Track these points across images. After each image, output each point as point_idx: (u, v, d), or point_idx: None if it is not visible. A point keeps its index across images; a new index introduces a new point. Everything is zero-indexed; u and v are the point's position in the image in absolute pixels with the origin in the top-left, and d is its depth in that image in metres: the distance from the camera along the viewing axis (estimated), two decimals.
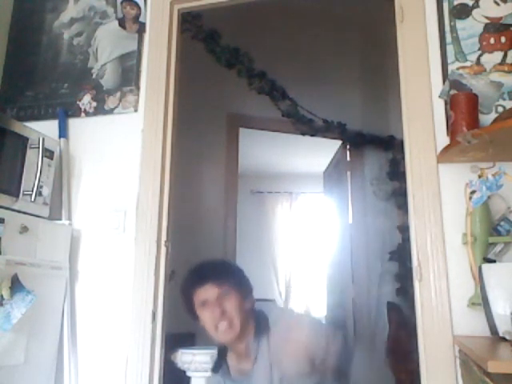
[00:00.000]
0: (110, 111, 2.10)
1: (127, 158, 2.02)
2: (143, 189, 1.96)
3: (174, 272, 2.12)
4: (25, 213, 1.74)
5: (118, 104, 2.09)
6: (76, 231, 1.98)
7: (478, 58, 1.69)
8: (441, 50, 1.73)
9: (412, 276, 1.65)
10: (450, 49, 1.72)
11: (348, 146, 3.82)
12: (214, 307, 1.63)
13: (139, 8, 2.18)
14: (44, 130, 1.91)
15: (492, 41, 1.69)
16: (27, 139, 1.79)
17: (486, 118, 1.60)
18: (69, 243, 1.92)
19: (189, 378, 2.23)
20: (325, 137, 3.67)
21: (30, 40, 2.33)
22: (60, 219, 1.96)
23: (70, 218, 1.99)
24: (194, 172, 3.35)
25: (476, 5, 1.74)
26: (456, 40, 1.72)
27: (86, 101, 2.14)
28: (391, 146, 3.58)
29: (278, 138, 4.26)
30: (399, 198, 3.38)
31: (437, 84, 1.71)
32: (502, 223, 1.53)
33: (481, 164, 1.54)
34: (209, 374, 2.13)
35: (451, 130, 1.56)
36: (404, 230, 3.25)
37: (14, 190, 1.72)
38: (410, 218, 1.68)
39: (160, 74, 2.06)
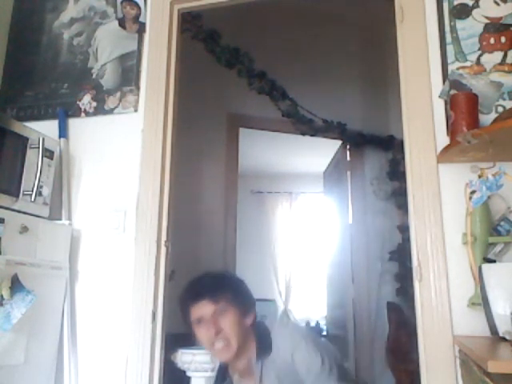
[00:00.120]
0: (110, 111, 2.10)
1: (127, 158, 2.02)
2: (143, 189, 1.96)
3: (174, 272, 2.13)
4: (25, 213, 1.74)
5: (118, 104, 2.09)
6: (76, 231, 1.98)
7: (478, 58, 1.69)
8: (441, 50, 1.73)
9: (412, 276, 1.65)
10: (450, 49, 1.72)
11: (348, 146, 3.82)
12: (209, 325, 1.55)
13: (139, 8, 2.18)
14: (44, 130, 1.91)
15: (492, 41, 1.69)
16: (27, 139, 1.79)
17: (486, 118, 1.60)
18: (69, 243, 1.92)
19: (189, 378, 2.23)
20: (325, 137, 3.67)
21: (29, 40, 2.33)
22: (60, 219, 1.96)
23: (70, 218, 1.99)
24: (194, 171, 3.35)
25: (476, 5, 1.73)
26: (456, 40, 1.72)
27: (86, 101, 2.14)
28: (391, 145, 3.58)
29: (277, 137, 4.26)
30: (399, 197, 3.38)
31: (437, 84, 1.71)
32: (502, 223, 1.53)
33: (481, 164, 1.54)
34: (209, 374, 2.13)
35: (451, 129, 1.56)
36: (404, 229, 3.25)
37: (13, 190, 1.72)
38: (410, 218, 1.68)
39: (160, 74, 2.06)
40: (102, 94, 2.13)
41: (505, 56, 1.67)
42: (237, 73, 3.22)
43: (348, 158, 3.84)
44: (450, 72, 1.70)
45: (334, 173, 4.19)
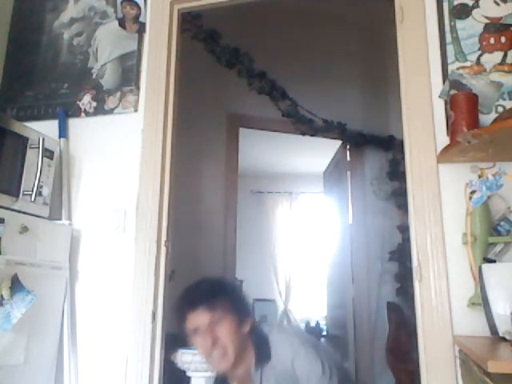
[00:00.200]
0: (110, 111, 2.10)
1: (127, 158, 2.02)
2: (143, 189, 1.96)
3: (174, 272, 2.13)
4: (25, 213, 1.74)
5: (118, 104, 2.09)
6: (76, 231, 1.98)
7: (478, 58, 1.69)
8: (441, 50, 1.73)
9: (412, 276, 1.65)
10: (450, 49, 1.72)
11: (348, 146, 3.82)
12: (205, 335, 1.51)
13: (139, 8, 2.18)
14: (44, 130, 1.91)
15: (492, 41, 1.69)
16: (27, 139, 1.79)
17: (486, 118, 1.60)
18: (69, 243, 1.92)
19: (189, 378, 2.23)
20: (325, 137, 3.67)
21: (29, 40, 2.33)
22: (60, 219, 1.96)
23: (70, 218, 1.99)
24: (194, 171, 3.35)
25: (476, 5, 1.73)
26: (456, 40, 1.72)
27: (86, 101, 2.14)
28: (391, 146, 3.59)
29: (277, 137, 4.27)
30: (399, 197, 3.38)
31: (437, 84, 1.71)
32: (502, 223, 1.53)
33: (481, 164, 1.54)
34: (209, 374, 2.13)
35: (451, 130, 1.56)
36: (404, 229, 3.25)
37: (13, 190, 1.71)
38: (410, 218, 1.68)
39: (160, 74, 2.06)
40: (102, 94, 2.13)
41: (505, 56, 1.67)
42: (237, 73, 3.22)
43: (348, 158, 3.84)
44: (450, 72, 1.70)
45: (334, 173, 4.19)
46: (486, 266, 1.39)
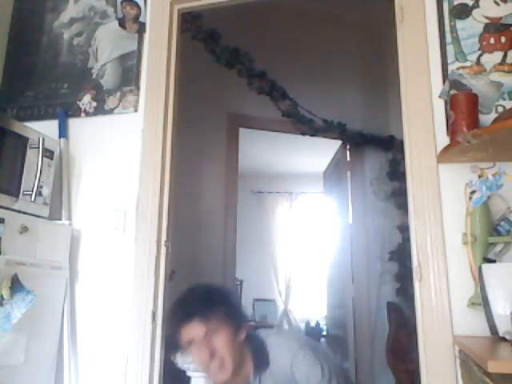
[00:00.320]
0: (110, 111, 2.10)
1: (127, 158, 2.02)
2: (143, 189, 1.96)
3: (174, 272, 2.13)
4: (25, 213, 1.74)
5: (118, 104, 2.09)
6: (76, 231, 1.98)
7: (478, 58, 1.69)
8: (441, 50, 1.73)
9: (412, 276, 1.65)
10: (450, 49, 1.72)
11: (348, 146, 3.82)
12: (201, 347, 1.48)
13: (139, 8, 2.18)
14: (44, 130, 1.91)
15: (492, 41, 1.69)
16: (27, 139, 1.79)
17: (486, 118, 1.60)
18: (69, 243, 1.92)
19: (189, 378, 2.23)
20: (325, 137, 3.67)
21: (29, 40, 2.33)
22: (60, 219, 1.96)
23: (70, 218, 1.99)
24: (194, 171, 3.35)
25: (476, 5, 1.73)
26: (456, 40, 1.72)
27: (86, 101, 2.14)
28: (391, 145, 3.59)
29: (277, 137, 4.27)
30: (399, 198, 3.38)
31: (437, 84, 1.71)
32: (502, 223, 1.53)
33: (481, 164, 1.54)
34: None
35: (451, 130, 1.56)
36: (404, 229, 3.25)
37: (13, 190, 1.71)
38: (410, 218, 1.68)
39: (160, 73, 2.06)
40: (102, 94, 2.13)
41: (505, 56, 1.67)
42: (237, 73, 3.22)
43: (348, 158, 3.84)
44: (450, 72, 1.70)
45: (334, 173, 4.19)
46: (485, 266, 1.39)
